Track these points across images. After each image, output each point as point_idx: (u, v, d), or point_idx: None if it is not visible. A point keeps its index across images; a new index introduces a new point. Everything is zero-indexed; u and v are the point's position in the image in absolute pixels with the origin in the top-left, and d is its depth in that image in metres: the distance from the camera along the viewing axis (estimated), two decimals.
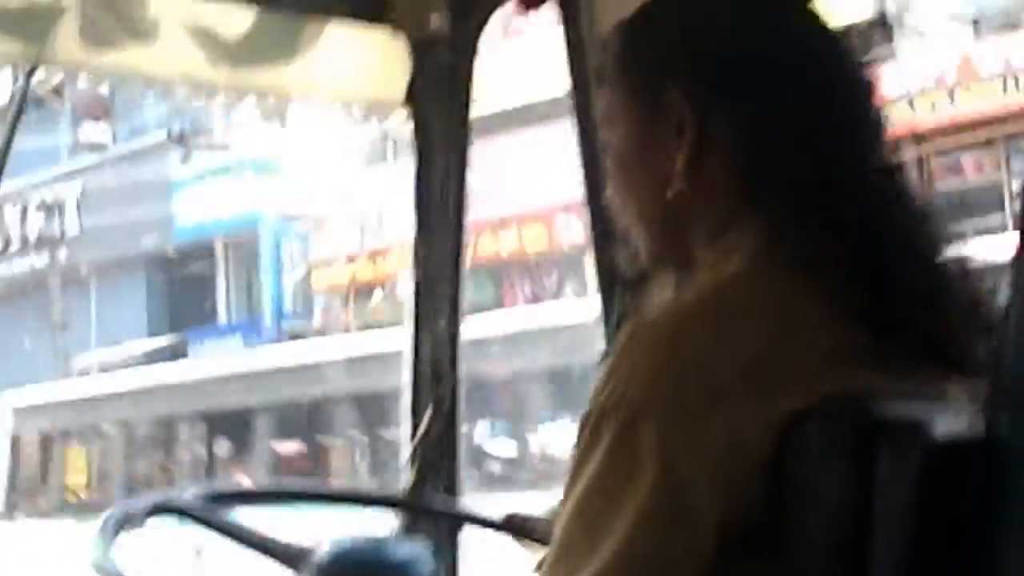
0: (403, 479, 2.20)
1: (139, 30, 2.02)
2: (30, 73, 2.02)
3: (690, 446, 1.01)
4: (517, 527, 1.85)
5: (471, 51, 2.18)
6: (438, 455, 2.16)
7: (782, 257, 1.10)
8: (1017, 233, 0.95)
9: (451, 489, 2.16)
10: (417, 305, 2.24)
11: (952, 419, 0.99)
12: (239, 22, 2.08)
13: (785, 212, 1.11)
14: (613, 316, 2.02)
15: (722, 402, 1.02)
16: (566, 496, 1.07)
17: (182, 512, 1.76)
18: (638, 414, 1.02)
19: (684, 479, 1.01)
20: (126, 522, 1.59)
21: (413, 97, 2.20)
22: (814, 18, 1.19)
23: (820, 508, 1.01)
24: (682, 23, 1.18)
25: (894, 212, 1.13)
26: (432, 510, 2.02)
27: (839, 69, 1.17)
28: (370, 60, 2.21)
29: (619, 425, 1.03)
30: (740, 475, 1.01)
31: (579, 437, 1.06)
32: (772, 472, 1.01)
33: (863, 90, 1.17)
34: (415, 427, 2.19)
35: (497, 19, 2.20)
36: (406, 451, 2.21)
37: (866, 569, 0.97)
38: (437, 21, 2.13)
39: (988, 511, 0.93)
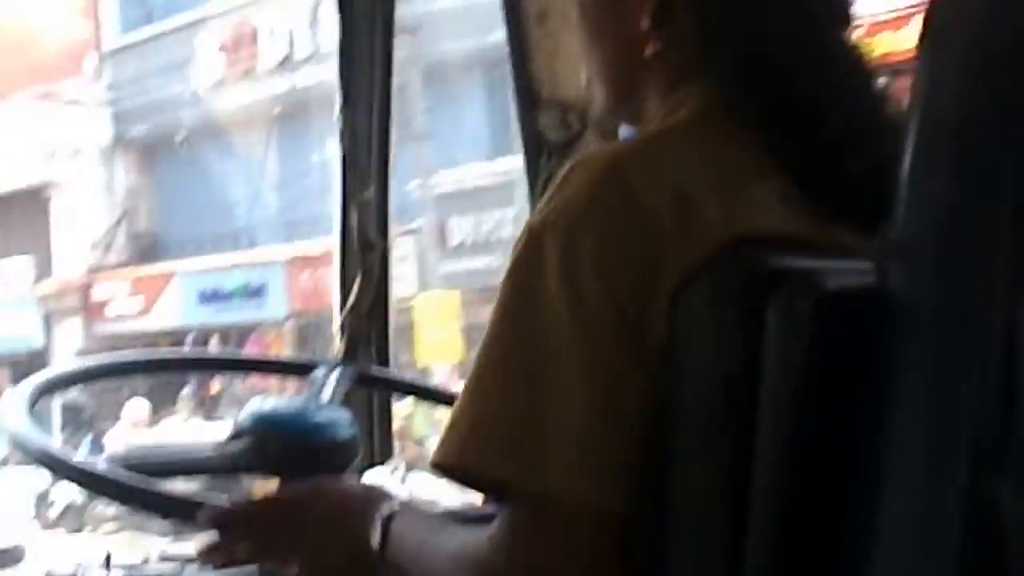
0: (333, 349, 2.20)
1: None
2: None
3: (628, 264, 1.00)
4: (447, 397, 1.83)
5: None
6: (368, 325, 2.18)
7: (723, 114, 1.11)
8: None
9: (382, 358, 2.18)
10: (344, 176, 2.21)
11: (848, 271, 0.99)
12: None
13: (733, 74, 1.13)
14: (539, 180, 1.96)
15: (648, 236, 1.01)
16: (494, 342, 1.04)
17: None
18: (573, 237, 1.01)
19: (621, 294, 0.99)
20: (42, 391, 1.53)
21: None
22: None
23: (705, 357, 1.00)
24: None
25: (842, 86, 1.13)
26: (365, 377, 1.95)
27: None
28: None
29: (556, 253, 1.01)
30: (652, 298, 0.99)
31: (511, 276, 1.04)
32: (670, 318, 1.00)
33: None
34: (344, 298, 2.19)
35: None
36: (336, 322, 2.21)
37: (755, 427, 0.96)
38: None
39: (877, 362, 0.92)
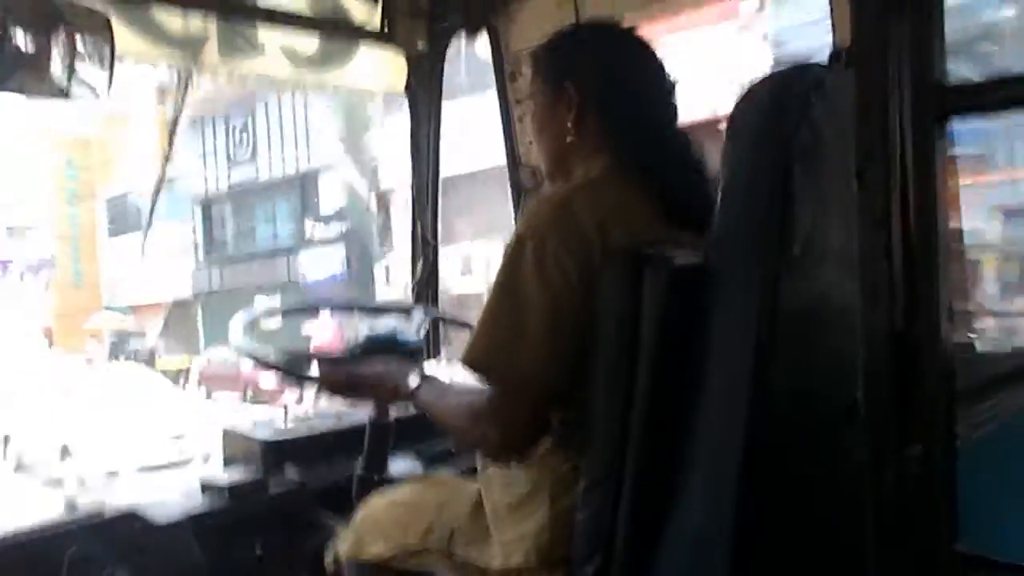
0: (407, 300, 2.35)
1: (251, 49, 2.08)
2: (188, 76, 2.08)
3: (572, 258, 1.08)
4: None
5: (440, 62, 2.27)
6: (427, 289, 2.32)
7: (619, 171, 1.17)
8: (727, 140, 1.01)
9: (435, 306, 2.30)
10: (413, 212, 2.34)
11: (687, 254, 1.05)
12: (309, 44, 2.15)
13: (622, 148, 1.19)
14: (519, 211, 2.06)
15: (585, 240, 1.09)
16: (495, 292, 1.13)
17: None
18: (542, 239, 1.10)
19: (570, 278, 1.08)
20: (253, 319, 1.64)
21: (409, 87, 2.29)
22: (644, 48, 1.25)
23: (612, 309, 1.06)
24: (574, 50, 1.25)
25: (676, 152, 1.20)
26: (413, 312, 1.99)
27: (656, 80, 1.24)
28: (383, 66, 2.28)
29: (532, 247, 1.10)
30: (584, 275, 1.08)
31: (505, 257, 1.13)
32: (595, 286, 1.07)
33: (666, 87, 1.24)
34: (413, 275, 2.35)
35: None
36: (409, 287, 2.38)
37: (637, 351, 1.02)
38: (421, 45, 2.24)
39: (704, 307, 0.98)
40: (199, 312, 20.22)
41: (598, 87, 1.20)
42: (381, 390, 1.41)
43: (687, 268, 1.02)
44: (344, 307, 2.04)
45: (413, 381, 1.31)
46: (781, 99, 0.98)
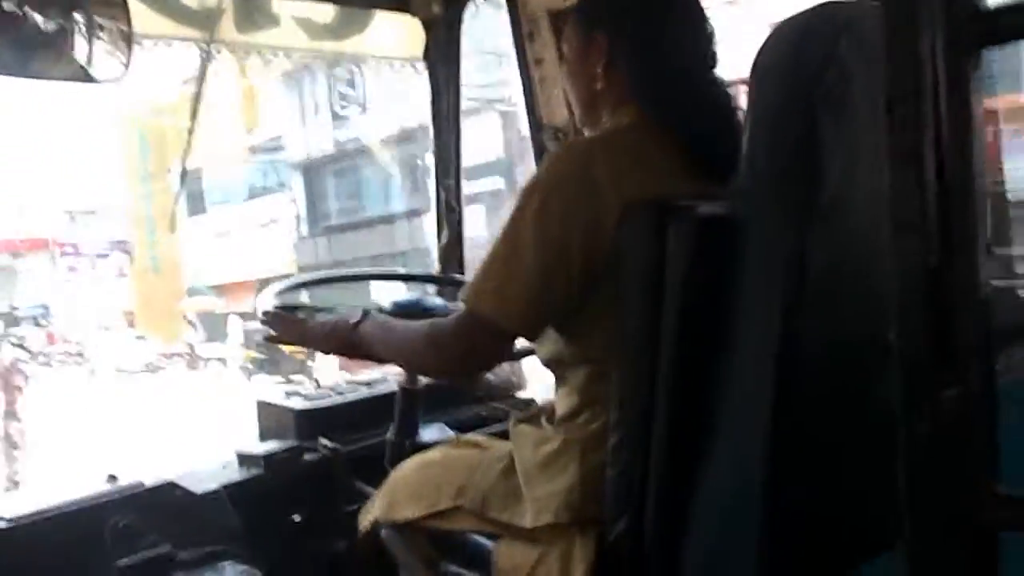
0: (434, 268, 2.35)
1: (267, 21, 2.11)
2: (207, 52, 2.04)
3: (579, 212, 1.08)
4: None
5: (458, 27, 2.23)
6: (453, 255, 2.32)
7: (644, 121, 1.16)
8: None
9: (461, 271, 2.29)
10: (436, 171, 2.32)
11: (713, 205, 1.02)
12: (325, 13, 2.15)
13: (648, 100, 1.18)
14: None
15: (598, 192, 1.07)
16: (500, 235, 1.13)
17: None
18: (551, 190, 1.10)
19: (572, 230, 1.08)
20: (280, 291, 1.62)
21: (427, 54, 2.26)
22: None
23: (636, 261, 1.04)
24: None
25: (708, 105, 1.18)
26: (448, 280, 2.10)
27: (690, 29, 1.22)
28: (401, 33, 2.26)
29: (539, 196, 1.10)
30: (599, 238, 1.07)
31: (516, 202, 1.13)
32: (615, 240, 1.06)
33: (704, 39, 1.22)
34: (439, 241, 2.33)
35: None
36: (435, 253, 2.37)
37: (663, 305, 1.01)
38: (437, 9, 2.19)
39: (730, 258, 0.96)
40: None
41: (627, 37, 1.19)
42: (320, 334, 1.40)
43: (712, 219, 1.00)
44: (375, 276, 2.04)
45: (354, 319, 1.32)
46: (806, 40, 0.94)
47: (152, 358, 16.73)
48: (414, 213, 15.55)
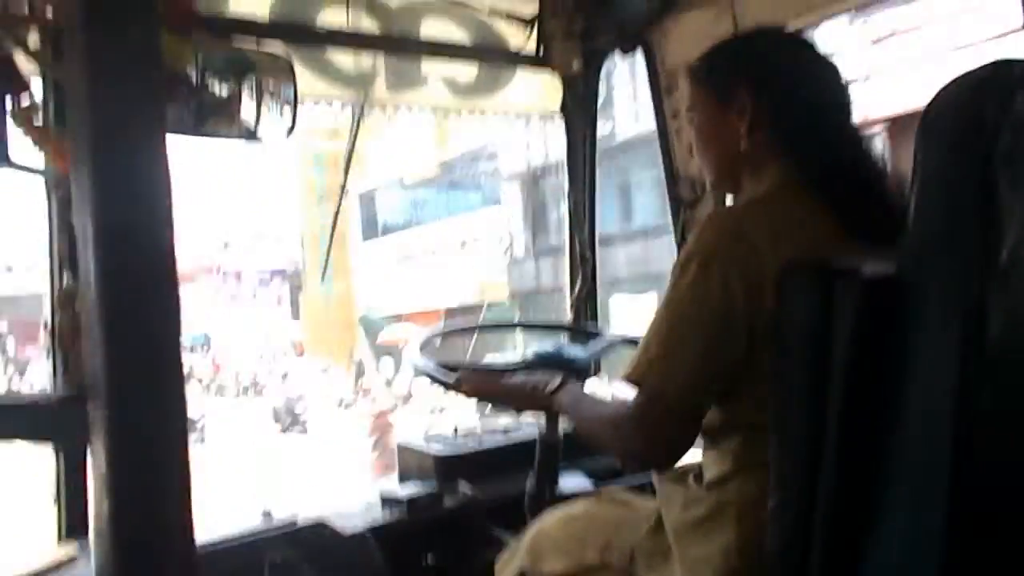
0: (569, 317, 2.37)
1: (416, 81, 2.21)
2: (361, 111, 2.14)
3: (739, 278, 1.06)
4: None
5: (595, 81, 2.30)
6: (586, 304, 2.35)
7: (793, 185, 1.14)
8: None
9: (595, 321, 2.32)
10: (570, 220, 2.36)
11: (879, 265, 0.98)
12: (468, 72, 2.24)
13: (797, 158, 1.15)
14: (679, 224, 2.10)
15: (756, 256, 1.06)
16: (659, 309, 1.12)
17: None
18: (708, 258, 1.08)
19: (734, 297, 1.07)
20: (424, 345, 1.71)
21: (565, 108, 2.33)
22: (814, 51, 1.22)
23: (799, 324, 1.01)
24: (745, 55, 1.23)
25: (856, 161, 1.16)
26: (586, 332, 2.09)
27: (829, 83, 1.20)
28: (539, 89, 2.32)
29: (697, 265, 1.08)
30: (761, 301, 1.05)
31: (672, 275, 1.11)
32: (776, 302, 1.03)
33: (842, 91, 1.20)
34: (572, 290, 2.36)
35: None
36: (568, 304, 2.39)
37: (829, 368, 0.96)
38: (576, 66, 2.26)
39: (899, 322, 0.92)
40: (516, 318, 15.86)
41: (771, 93, 1.17)
42: (519, 395, 1.45)
43: (880, 280, 0.96)
44: (511, 326, 2.10)
45: (551, 387, 1.36)
46: (980, 98, 0.91)
47: (343, 393, 15.73)
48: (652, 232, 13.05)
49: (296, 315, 21.72)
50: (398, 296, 17.82)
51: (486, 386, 1.52)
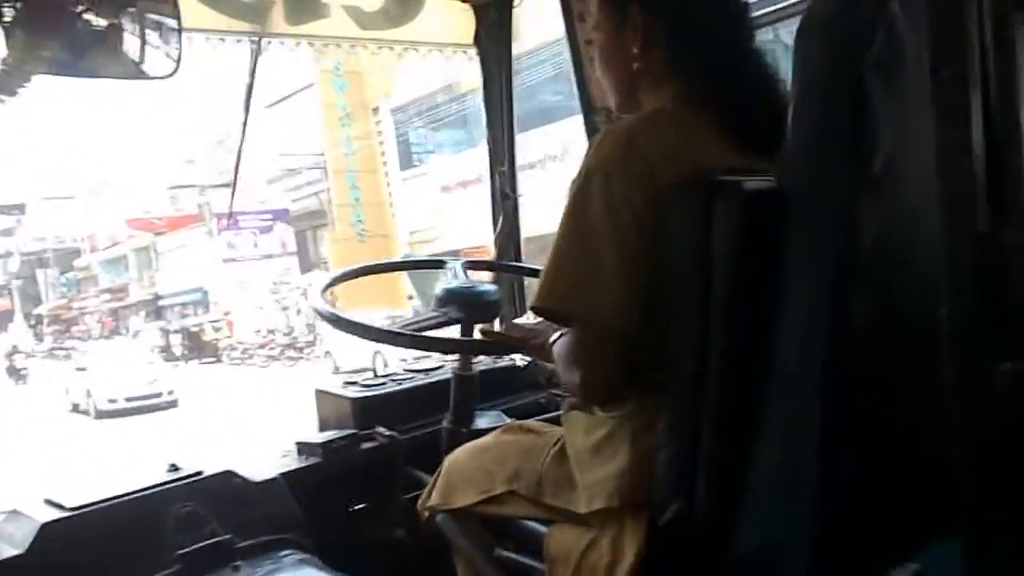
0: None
1: (317, 11, 2.10)
2: (258, 44, 2.03)
3: (639, 194, 1.06)
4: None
5: (508, 9, 2.24)
6: (509, 242, 2.32)
7: (686, 100, 1.14)
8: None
9: (518, 258, 2.30)
10: (491, 166, 2.33)
11: (761, 181, 1.00)
12: (373, 2, 2.15)
13: (690, 76, 1.15)
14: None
15: (652, 176, 1.06)
16: (563, 230, 1.11)
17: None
18: (609, 172, 1.07)
19: (637, 212, 1.06)
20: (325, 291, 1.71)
21: (478, 40, 2.28)
22: None
23: (682, 241, 1.03)
24: None
25: (750, 75, 1.16)
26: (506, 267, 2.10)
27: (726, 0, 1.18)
28: (451, 20, 2.26)
29: (600, 177, 1.08)
30: (652, 210, 1.05)
31: (571, 192, 1.11)
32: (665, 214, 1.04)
33: (736, 6, 1.20)
34: (495, 228, 2.32)
35: None
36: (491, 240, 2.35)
37: (711, 283, 0.99)
38: None
39: (777, 233, 0.94)
40: None
41: (662, 9, 1.17)
42: (542, 346, 1.35)
43: (760, 194, 0.97)
44: (384, 267, 2.03)
45: (551, 337, 1.29)
46: (853, 4, 0.90)
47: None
48: None
49: (306, 267, 18.94)
50: (449, 229, 14.98)
51: (528, 339, 1.41)
